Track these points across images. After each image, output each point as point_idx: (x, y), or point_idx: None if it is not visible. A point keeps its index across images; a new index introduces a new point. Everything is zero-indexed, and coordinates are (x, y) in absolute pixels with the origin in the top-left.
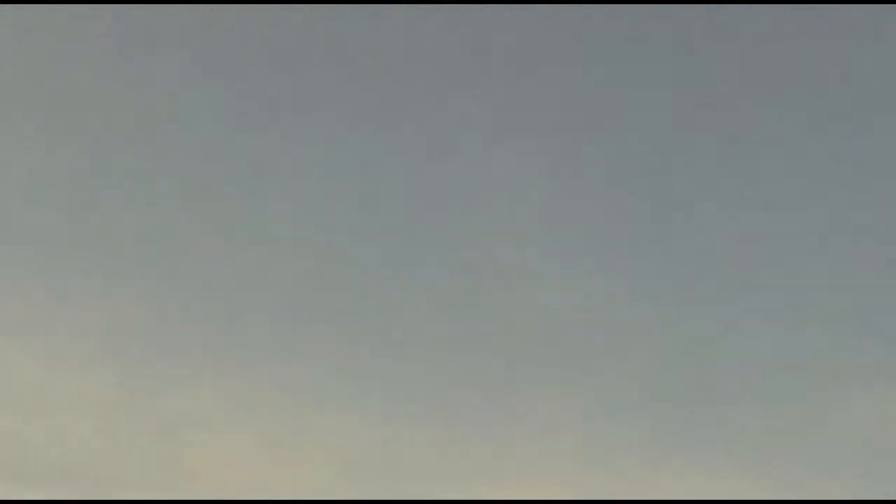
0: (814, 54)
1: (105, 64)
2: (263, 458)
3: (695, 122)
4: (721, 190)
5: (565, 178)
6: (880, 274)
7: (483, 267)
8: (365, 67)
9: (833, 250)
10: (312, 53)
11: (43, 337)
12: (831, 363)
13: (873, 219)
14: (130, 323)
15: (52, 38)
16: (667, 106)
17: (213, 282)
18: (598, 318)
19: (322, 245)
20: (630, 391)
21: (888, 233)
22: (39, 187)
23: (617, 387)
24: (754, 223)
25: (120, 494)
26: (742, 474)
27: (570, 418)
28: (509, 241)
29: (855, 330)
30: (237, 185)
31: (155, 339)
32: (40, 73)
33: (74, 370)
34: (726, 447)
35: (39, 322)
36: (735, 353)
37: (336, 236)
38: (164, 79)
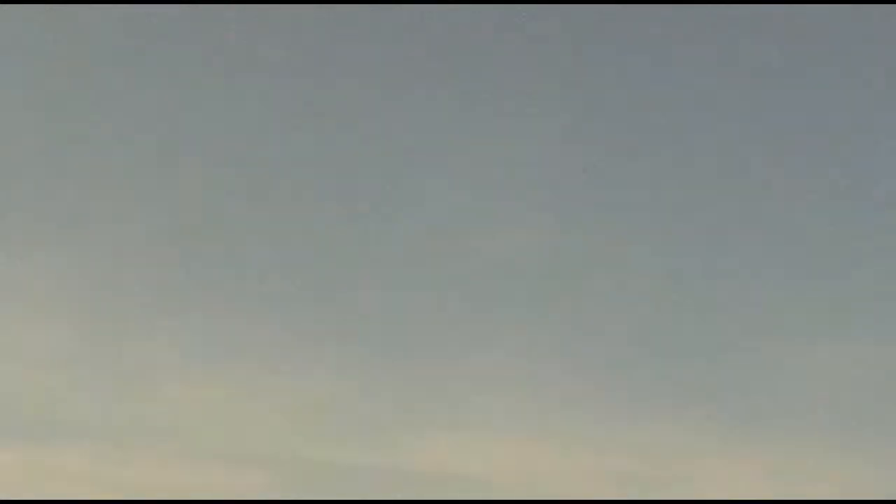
0: None
1: None
2: (228, 408)
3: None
4: (674, 142)
5: (521, 128)
6: (836, 232)
7: (438, 212)
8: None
9: (789, 206)
10: None
11: (9, 290)
12: (785, 316)
13: (836, 180)
14: (95, 275)
15: None
16: (612, 62)
17: (175, 233)
18: (551, 264)
19: (282, 203)
20: (581, 338)
21: (849, 194)
22: None
23: (568, 332)
24: (708, 173)
25: (87, 443)
26: (694, 422)
27: (520, 362)
28: (466, 188)
29: (807, 285)
30: (187, 140)
31: (119, 291)
32: None
33: (40, 323)
34: (679, 393)
35: (4, 276)
36: (689, 303)
37: (298, 180)
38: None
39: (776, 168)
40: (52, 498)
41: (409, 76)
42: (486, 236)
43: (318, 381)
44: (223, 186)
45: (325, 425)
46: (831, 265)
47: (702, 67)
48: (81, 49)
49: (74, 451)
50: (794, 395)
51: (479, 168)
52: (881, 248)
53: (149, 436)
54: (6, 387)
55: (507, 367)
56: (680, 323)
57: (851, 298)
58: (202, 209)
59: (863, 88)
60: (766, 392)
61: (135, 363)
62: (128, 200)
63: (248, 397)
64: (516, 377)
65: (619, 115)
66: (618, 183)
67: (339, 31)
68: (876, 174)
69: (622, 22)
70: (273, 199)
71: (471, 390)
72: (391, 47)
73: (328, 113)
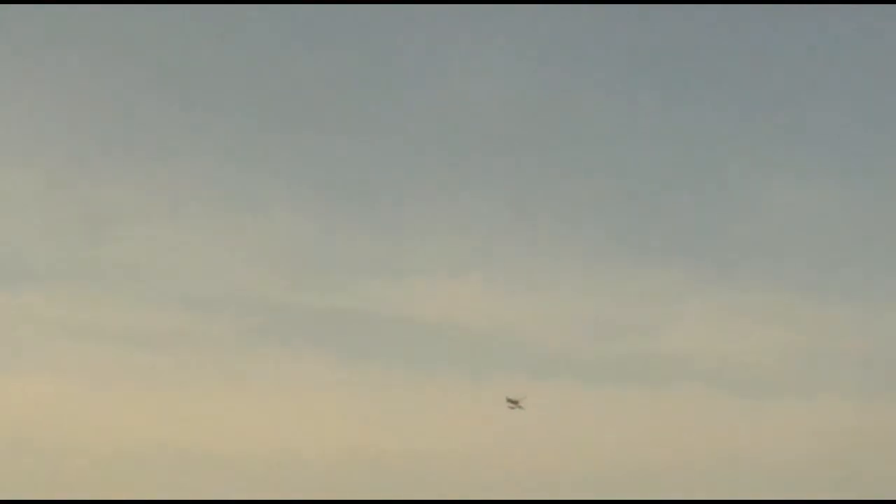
0: None
1: None
2: (186, 250)
3: None
4: None
5: None
6: (808, 67)
7: (415, 60)
8: None
9: (763, 39)
10: None
11: None
12: (756, 154)
13: (810, 25)
14: (63, 123)
15: None
16: None
17: (143, 80)
18: (529, 109)
19: (255, 46)
20: (559, 184)
21: (817, 36)
22: None
23: (546, 178)
24: (676, 17)
25: (53, 286)
26: (675, 266)
27: (495, 206)
28: (444, 35)
29: (779, 120)
30: None
31: (82, 136)
32: None
33: (8, 168)
34: (659, 237)
35: None
36: (671, 149)
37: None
38: None
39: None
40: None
41: None
42: (462, 83)
43: (282, 224)
44: (192, 32)
45: (288, 268)
46: (805, 116)
47: None
48: None
49: (40, 294)
50: (772, 239)
51: (457, 18)
52: (856, 102)
53: (113, 278)
54: None
55: (482, 211)
56: (659, 168)
57: (827, 144)
58: (172, 56)
59: None
60: (745, 236)
61: (100, 207)
62: (102, 51)
63: (211, 239)
64: (491, 221)
65: None
66: (598, 32)
67: None
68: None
69: None
70: (243, 42)
71: (444, 234)
72: None
73: None
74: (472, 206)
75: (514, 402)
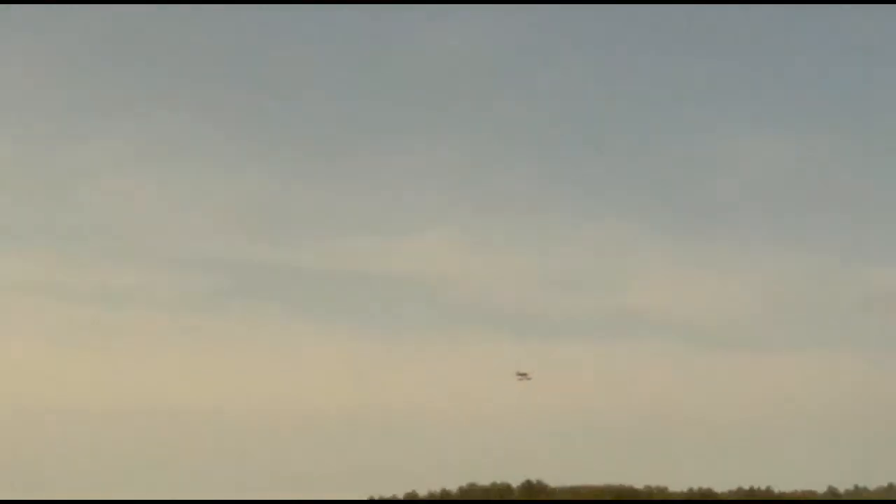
0: None
1: None
2: (158, 205)
3: None
4: None
5: None
6: (774, 22)
7: (371, 15)
8: None
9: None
10: None
11: None
12: (721, 109)
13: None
14: (32, 82)
15: None
16: None
17: (113, 37)
18: (489, 66)
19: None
20: (526, 136)
21: None
22: None
23: (513, 130)
24: None
25: (21, 239)
26: (636, 218)
27: (463, 159)
28: None
29: (741, 75)
30: None
31: (50, 95)
32: None
33: None
34: (621, 190)
35: None
36: (623, 99)
37: None
38: None
39: None
40: None
41: None
42: (421, 39)
43: (254, 180)
44: None
45: (251, 225)
46: (769, 72)
47: None
48: None
49: (16, 257)
50: (736, 192)
51: None
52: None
53: (76, 237)
54: None
55: (449, 164)
56: (623, 122)
57: (789, 100)
58: (135, 15)
59: None
60: (708, 189)
61: (64, 166)
62: (62, 11)
63: (184, 197)
64: (458, 175)
65: None
66: None
67: None
68: None
69: None
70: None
71: (412, 188)
72: None
73: None
74: (433, 161)
75: (523, 375)
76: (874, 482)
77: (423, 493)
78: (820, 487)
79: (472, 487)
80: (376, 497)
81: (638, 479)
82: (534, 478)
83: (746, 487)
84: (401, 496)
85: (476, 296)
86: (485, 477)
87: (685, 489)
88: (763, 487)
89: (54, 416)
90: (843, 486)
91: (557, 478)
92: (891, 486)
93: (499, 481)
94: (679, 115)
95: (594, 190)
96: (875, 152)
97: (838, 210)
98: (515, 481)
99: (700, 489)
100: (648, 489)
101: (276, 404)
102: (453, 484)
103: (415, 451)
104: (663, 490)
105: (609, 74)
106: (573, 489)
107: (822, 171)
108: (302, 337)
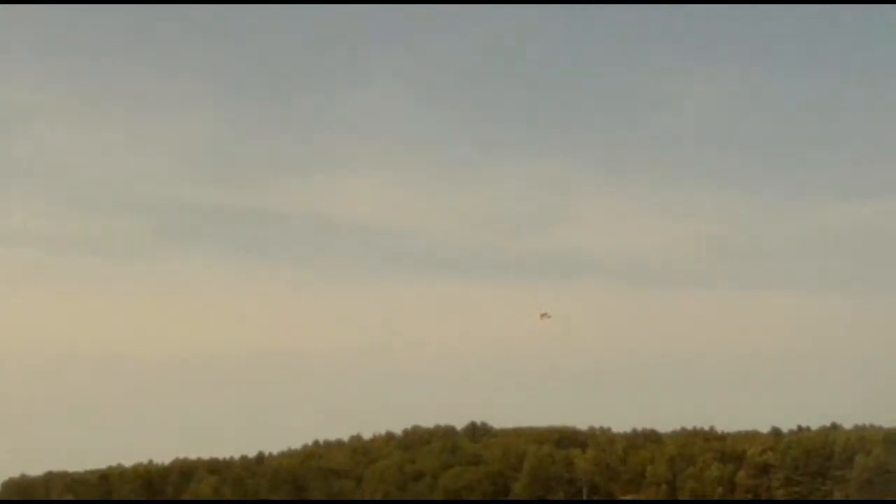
0: None
1: None
2: (109, 151)
3: None
4: None
5: None
6: None
7: None
8: None
9: None
10: None
11: None
12: (665, 46)
13: None
14: None
15: None
16: None
17: None
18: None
19: None
20: (454, 73)
21: None
22: None
23: (447, 70)
24: None
25: None
26: (580, 157)
27: (396, 102)
28: None
29: (686, 8)
30: None
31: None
32: None
33: None
34: (555, 130)
35: None
36: (565, 36)
37: None
38: None
39: None
40: None
41: None
42: None
43: (197, 125)
44: None
45: (203, 169)
46: (713, 11)
47: None
48: None
49: None
50: (676, 130)
51: None
52: None
53: (30, 182)
54: None
55: (385, 105)
56: (564, 60)
57: (736, 39)
58: None
59: None
60: (651, 127)
61: (11, 109)
62: None
63: (128, 141)
64: (394, 116)
65: None
66: None
67: None
68: None
69: None
70: None
71: (348, 130)
72: None
73: None
74: (374, 101)
75: (544, 315)
76: (817, 422)
77: (367, 435)
78: (763, 427)
79: (416, 430)
80: (321, 440)
81: (581, 420)
82: (478, 420)
83: (689, 427)
84: (345, 439)
85: (413, 238)
86: (429, 419)
87: (629, 429)
88: (706, 427)
89: None
90: (787, 426)
91: (502, 420)
92: (834, 425)
93: (443, 423)
94: (618, 51)
95: (530, 129)
96: (818, 90)
97: (780, 148)
98: (459, 423)
99: (644, 429)
100: (592, 430)
101: (212, 349)
102: (397, 426)
103: (358, 395)
104: (607, 431)
105: (548, 12)
106: (517, 430)
107: (774, 112)
108: (236, 280)
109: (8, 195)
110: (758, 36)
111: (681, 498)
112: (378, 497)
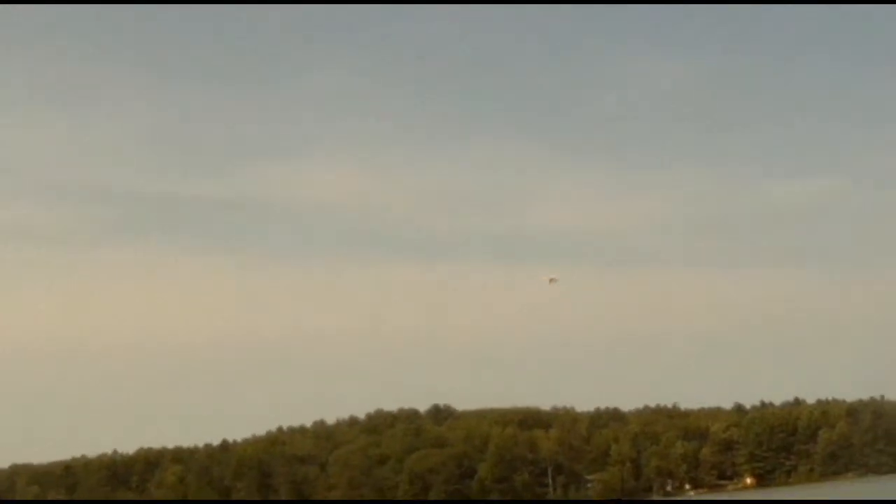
0: None
1: None
2: (59, 142)
3: None
4: None
5: None
6: None
7: None
8: None
9: None
10: None
11: None
12: (633, 25)
13: None
14: None
15: None
16: None
17: None
18: None
19: None
20: (419, 55)
21: None
22: None
23: (409, 49)
24: None
25: None
26: (536, 137)
27: (361, 82)
28: None
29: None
30: None
31: None
32: None
33: None
34: (524, 110)
35: None
36: (529, 17)
37: None
38: None
39: None
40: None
41: None
42: None
43: (142, 113)
44: None
45: (164, 156)
46: None
47: None
48: None
49: None
50: (645, 111)
51: None
52: None
53: None
54: None
55: (347, 88)
56: (531, 40)
57: (693, 17)
58: None
59: None
60: (619, 109)
61: None
62: None
63: (77, 128)
64: (356, 98)
65: None
66: None
67: None
68: None
69: None
70: None
71: (308, 114)
72: None
73: None
74: (335, 84)
75: (553, 279)
76: (780, 398)
77: (331, 420)
78: (727, 404)
79: (379, 413)
80: (285, 427)
81: (544, 400)
82: (441, 402)
83: (653, 405)
84: (308, 425)
85: (373, 220)
86: (392, 403)
87: (592, 409)
88: (669, 405)
89: None
90: (750, 402)
91: (465, 402)
92: (797, 400)
93: (406, 407)
94: (594, 30)
95: (493, 109)
96: (779, 66)
97: (753, 128)
98: (423, 406)
99: (607, 409)
100: (555, 410)
101: (174, 339)
102: (361, 410)
103: (320, 380)
104: (570, 411)
105: None
106: (480, 412)
107: (736, 88)
108: (197, 268)
109: None
110: (712, 12)
111: (647, 475)
112: (343, 481)
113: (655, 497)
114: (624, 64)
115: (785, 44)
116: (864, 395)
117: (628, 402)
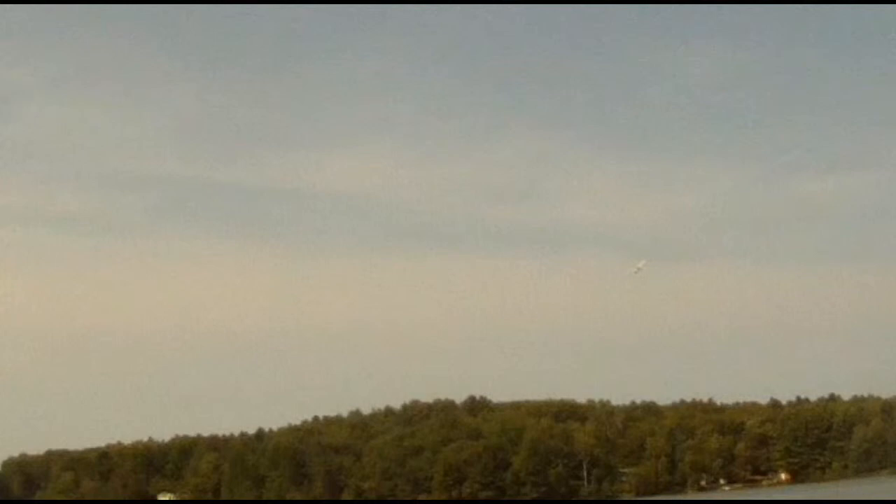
0: None
1: None
2: (99, 128)
3: None
4: None
5: None
6: None
7: None
8: None
9: None
10: None
11: None
12: (664, 21)
13: None
14: None
15: None
16: None
17: None
18: None
19: None
20: (451, 44)
21: None
22: None
23: (455, 39)
24: None
25: None
26: (567, 133)
27: (403, 69)
28: None
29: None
30: None
31: None
32: None
33: None
34: (558, 103)
35: None
36: (566, 11)
37: None
38: None
39: None
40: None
41: None
42: None
43: (187, 98)
44: None
45: (195, 144)
46: None
47: None
48: None
49: None
50: (663, 108)
51: None
52: None
53: (14, 158)
54: None
55: (383, 77)
56: (567, 35)
57: (732, 11)
58: None
59: None
60: (638, 105)
61: (3, 86)
62: None
63: (119, 119)
64: (392, 88)
65: None
66: None
67: None
68: None
69: None
70: None
71: (336, 104)
72: None
73: None
74: (377, 72)
75: (639, 269)
76: (815, 393)
77: (366, 410)
78: (762, 399)
79: (415, 404)
80: (320, 416)
81: (580, 393)
82: (477, 394)
83: (689, 400)
84: (344, 415)
85: (407, 211)
86: (427, 394)
87: (628, 402)
88: (705, 399)
89: None
90: (785, 397)
91: (500, 393)
92: (832, 396)
93: (442, 398)
94: (627, 27)
95: (532, 102)
96: (812, 63)
97: (786, 124)
98: (458, 397)
99: (643, 402)
100: (591, 403)
101: (212, 326)
102: (396, 401)
103: (357, 370)
104: (606, 404)
105: None
106: (515, 404)
107: (772, 84)
108: (233, 256)
109: (10, 176)
110: (747, 7)
111: (681, 469)
112: (377, 472)
113: (690, 492)
114: (660, 58)
115: (820, 39)
116: None
117: (664, 396)
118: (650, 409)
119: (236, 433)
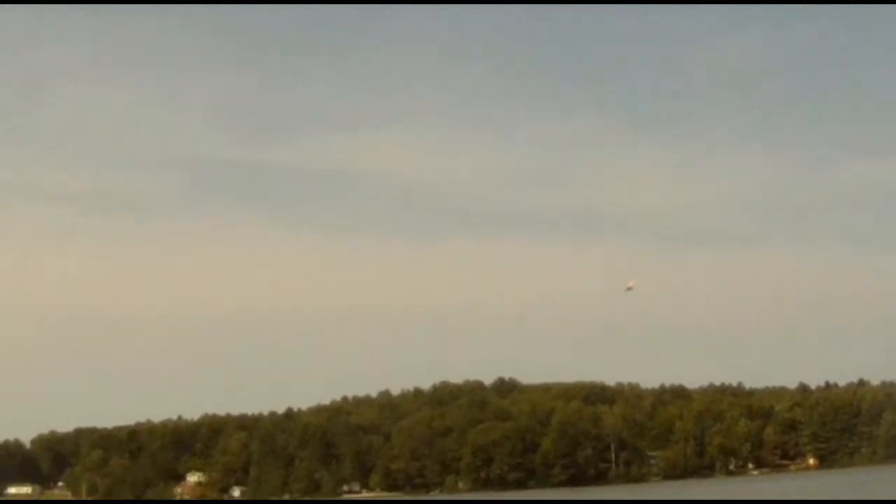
0: None
1: None
2: (138, 111)
3: None
4: None
5: None
6: None
7: None
8: None
9: None
10: None
11: None
12: (703, 8)
13: None
14: None
15: None
16: None
17: None
18: None
19: None
20: (488, 29)
21: None
22: None
23: (488, 30)
24: None
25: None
26: (602, 118)
27: (437, 58)
28: None
29: None
30: None
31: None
32: None
33: None
34: (597, 91)
35: None
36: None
37: None
38: None
39: None
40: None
41: None
42: None
43: (223, 80)
44: None
45: (232, 125)
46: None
47: None
48: None
49: None
50: (696, 95)
51: None
52: None
53: (51, 138)
54: None
55: (421, 62)
56: (606, 20)
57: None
58: None
59: None
60: (669, 91)
61: (39, 68)
62: None
63: (158, 100)
64: (430, 72)
65: None
66: None
67: None
68: None
69: None
70: None
71: (374, 87)
72: None
73: None
74: (416, 57)
75: (630, 288)
76: (844, 378)
77: (396, 391)
78: (791, 383)
79: (444, 385)
80: (350, 396)
81: (609, 376)
82: (506, 375)
83: (717, 383)
84: (373, 395)
85: (440, 194)
86: (457, 375)
87: (657, 385)
88: (734, 384)
89: (21, 315)
90: (814, 382)
91: (530, 375)
92: (861, 381)
93: (471, 379)
94: (665, 13)
95: (571, 90)
96: (853, 48)
97: (814, 106)
98: (488, 379)
99: (672, 386)
100: (620, 386)
101: (241, 304)
102: (426, 382)
103: (387, 351)
104: (635, 387)
105: None
106: (545, 386)
107: (812, 73)
108: (266, 237)
109: (37, 154)
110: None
111: (710, 453)
112: (406, 452)
113: (718, 476)
114: (701, 42)
115: (862, 24)
116: None
117: (693, 380)
118: (679, 393)
119: (265, 412)
